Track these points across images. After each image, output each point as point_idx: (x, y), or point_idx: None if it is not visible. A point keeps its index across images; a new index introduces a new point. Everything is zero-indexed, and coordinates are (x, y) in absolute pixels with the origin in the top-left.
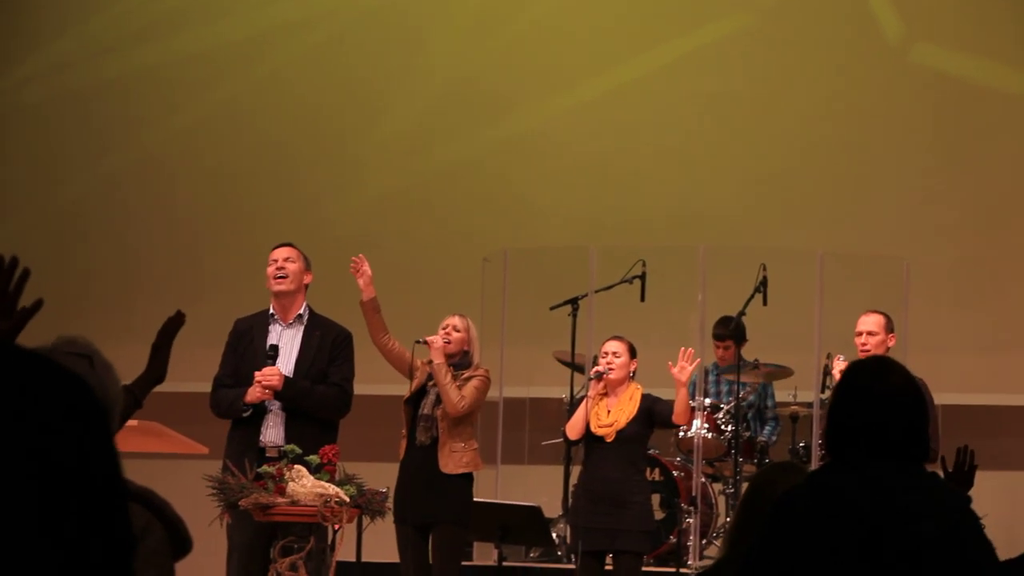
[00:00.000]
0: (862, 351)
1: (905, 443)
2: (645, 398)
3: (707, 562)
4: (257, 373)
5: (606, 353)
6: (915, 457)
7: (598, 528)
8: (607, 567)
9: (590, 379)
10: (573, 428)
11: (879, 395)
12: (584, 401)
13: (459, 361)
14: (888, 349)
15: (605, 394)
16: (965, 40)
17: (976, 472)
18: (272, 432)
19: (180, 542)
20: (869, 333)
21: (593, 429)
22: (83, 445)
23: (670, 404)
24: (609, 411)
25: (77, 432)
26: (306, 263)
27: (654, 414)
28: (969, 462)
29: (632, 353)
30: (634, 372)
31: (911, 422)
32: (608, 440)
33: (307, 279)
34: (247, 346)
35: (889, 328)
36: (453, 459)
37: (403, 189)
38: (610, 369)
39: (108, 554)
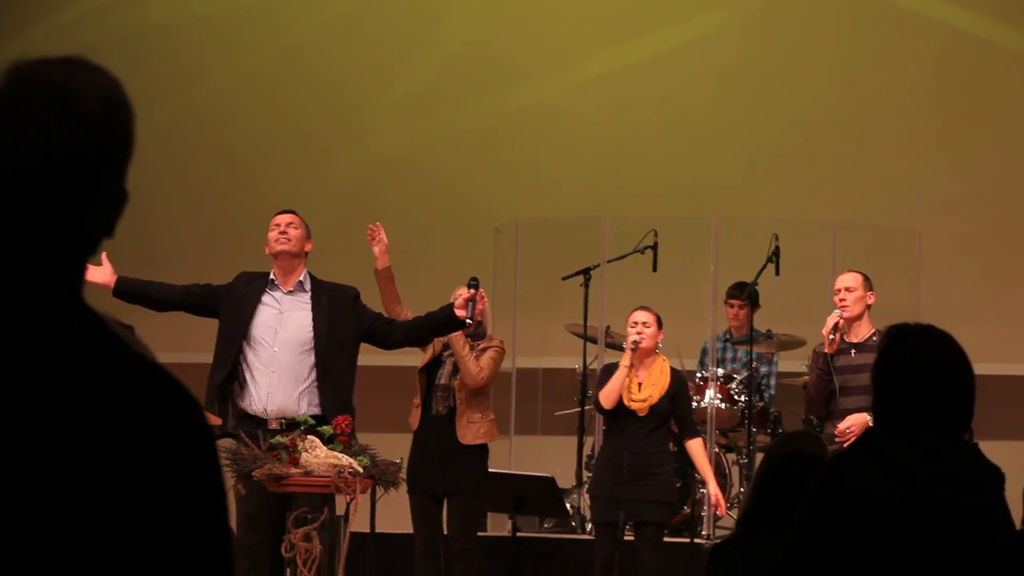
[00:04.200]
0: (841, 307)
1: (954, 413)
2: (675, 375)
3: (721, 532)
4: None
5: (635, 323)
6: (961, 427)
7: (620, 499)
8: (626, 538)
9: (632, 349)
10: (608, 397)
11: (936, 364)
12: (620, 370)
13: (474, 332)
14: (868, 306)
15: (630, 365)
16: (978, 4)
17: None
18: (277, 399)
19: None
20: (847, 289)
21: (626, 402)
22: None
23: (690, 420)
24: (640, 384)
25: (181, 459)
26: (307, 231)
27: (675, 402)
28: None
29: (659, 324)
30: (659, 344)
31: (963, 392)
32: (641, 414)
33: (308, 247)
34: (237, 301)
35: (868, 286)
36: (471, 429)
37: (412, 156)
38: (641, 337)
39: None
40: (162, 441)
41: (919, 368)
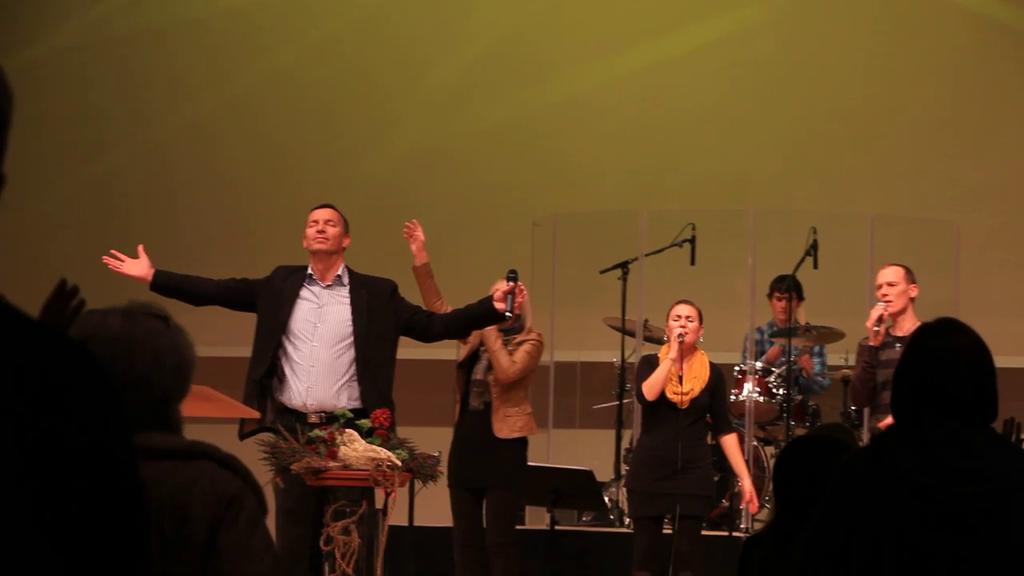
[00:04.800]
0: (884, 302)
1: (971, 404)
2: (714, 369)
3: (759, 526)
4: (504, 288)
5: (679, 316)
6: (982, 418)
7: (659, 493)
8: (664, 531)
9: (680, 342)
10: (652, 389)
11: (945, 355)
12: (666, 363)
13: (512, 325)
14: (912, 300)
15: (676, 359)
16: None
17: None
18: (316, 393)
19: (262, 508)
20: (889, 284)
21: (668, 395)
22: (89, 427)
23: (726, 415)
24: (681, 377)
25: (82, 412)
26: (345, 226)
27: (714, 397)
28: (1016, 434)
29: (700, 318)
30: (701, 337)
31: (977, 382)
32: (682, 407)
33: (346, 242)
34: (275, 296)
35: (910, 279)
36: (507, 423)
37: (447, 148)
38: (685, 332)
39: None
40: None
41: (935, 362)
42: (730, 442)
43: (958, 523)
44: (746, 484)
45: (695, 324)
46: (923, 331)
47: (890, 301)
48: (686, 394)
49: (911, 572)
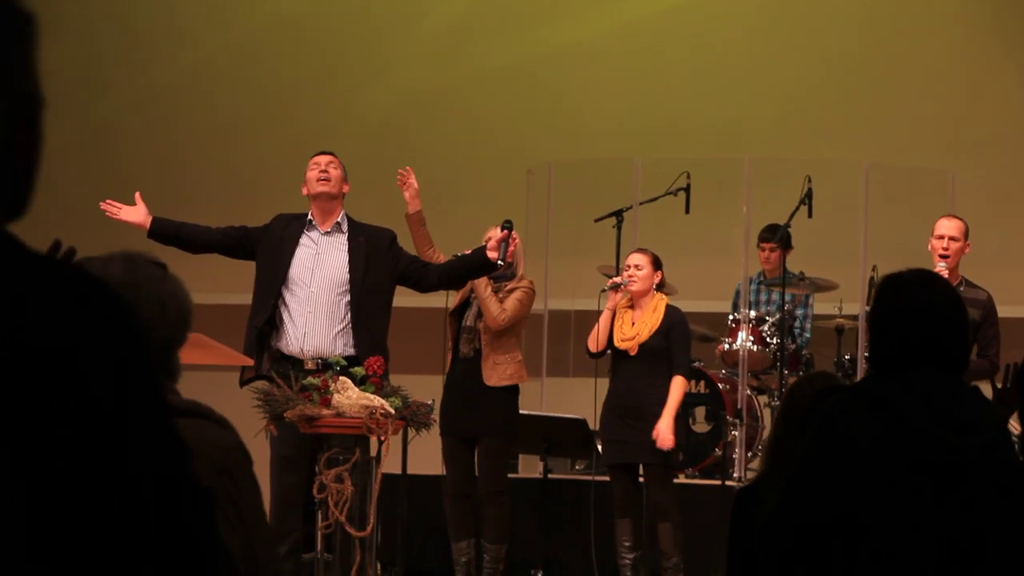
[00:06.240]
0: (942, 255)
1: (947, 353)
2: (670, 311)
3: (752, 475)
4: (498, 236)
5: (628, 266)
6: (957, 367)
7: (625, 441)
8: (640, 479)
9: (603, 291)
10: (592, 339)
11: (932, 308)
12: (604, 312)
13: (503, 273)
14: (962, 256)
15: (631, 306)
16: None
17: None
18: (313, 339)
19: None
20: (952, 239)
21: (616, 343)
22: (117, 371)
23: (680, 356)
24: (633, 323)
25: (109, 356)
26: (344, 173)
27: (669, 339)
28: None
29: (656, 265)
30: (660, 283)
31: (952, 333)
32: (631, 353)
33: (345, 188)
34: (275, 244)
35: (967, 235)
36: (497, 371)
37: (441, 91)
38: (631, 280)
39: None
40: (73, 334)
41: (904, 311)
42: (675, 382)
43: (955, 470)
44: (662, 423)
45: (646, 271)
46: (902, 283)
47: (947, 257)
48: (631, 339)
49: (903, 516)
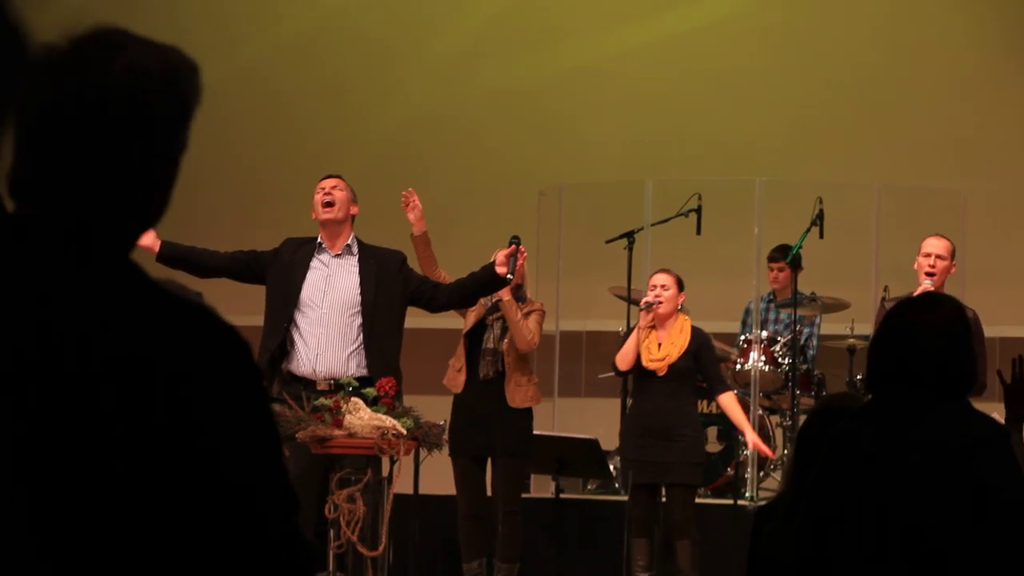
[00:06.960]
0: (928, 272)
1: (935, 377)
2: (696, 333)
3: (765, 494)
4: (505, 252)
5: (655, 286)
6: (955, 390)
7: (649, 461)
8: (661, 499)
9: (641, 309)
10: (624, 359)
11: (907, 331)
12: (635, 331)
13: (515, 295)
14: (947, 276)
15: (653, 327)
16: None
17: None
18: (326, 359)
19: None
20: (939, 256)
21: (645, 363)
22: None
23: (717, 375)
24: (660, 344)
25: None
26: (353, 195)
27: (699, 360)
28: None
29: (680, 286)
30: (682, 305)
31: (941, 358)
32: (660, 374)
33: (354, 210)
34: (285, 268)
35: (954, 255)
36: (519, 393)
37: (452, 114)
38: (659, 302)
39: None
40: (207, 382)
41: (901, 335)
42: (726, 400)
43: (905, 490)
44: (749, 436)
45: (672, 292)
46: (893, 310)
47: (933, 275)
48: (661, 360)
49: (870, 534)
